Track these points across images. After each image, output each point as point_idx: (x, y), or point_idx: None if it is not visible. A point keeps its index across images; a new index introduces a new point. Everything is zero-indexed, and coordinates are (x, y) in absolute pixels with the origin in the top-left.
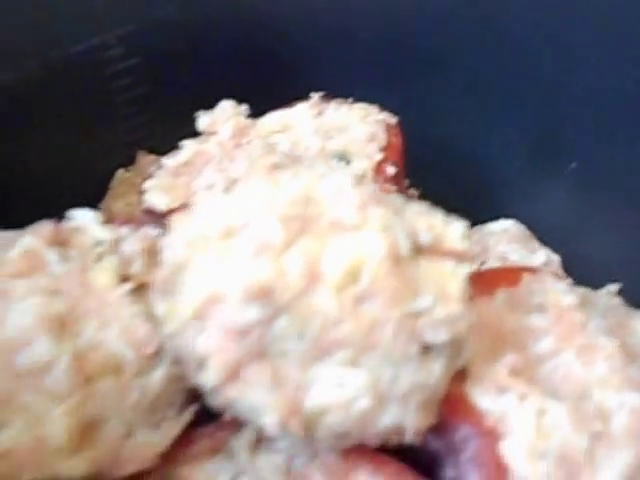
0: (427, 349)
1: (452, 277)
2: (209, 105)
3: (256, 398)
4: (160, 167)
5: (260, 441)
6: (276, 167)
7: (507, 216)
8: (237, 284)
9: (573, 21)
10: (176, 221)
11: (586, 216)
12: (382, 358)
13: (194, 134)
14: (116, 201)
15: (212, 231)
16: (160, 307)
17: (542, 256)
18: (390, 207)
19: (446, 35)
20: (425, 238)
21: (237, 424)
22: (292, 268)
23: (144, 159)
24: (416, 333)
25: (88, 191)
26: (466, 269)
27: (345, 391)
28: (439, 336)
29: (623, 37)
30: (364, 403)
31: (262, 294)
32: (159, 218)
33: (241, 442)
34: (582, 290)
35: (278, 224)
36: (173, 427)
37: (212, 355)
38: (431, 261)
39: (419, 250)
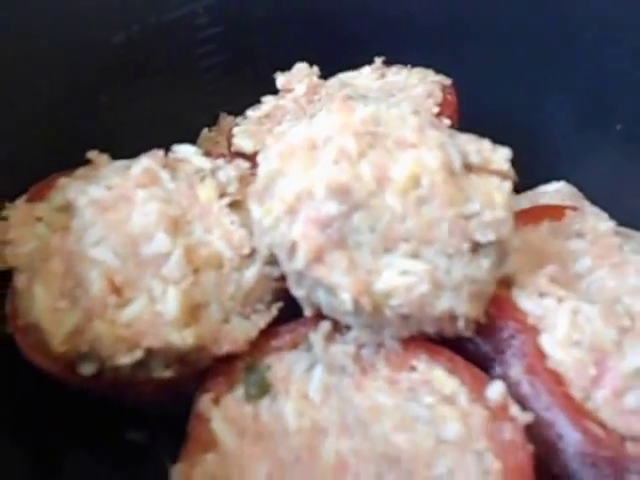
0: (476, 248)
1: (498, 190)
2: (282, 70)
3: (335, 278)
4: (245, 117)
5: (334, 334)
6: (349, 98)
7: (557, 178)
8: (321, 184)
9: None
10: (270, 139)
11: (632, 175)
12: (438, 251)
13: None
14: None
15: (300, 145)
16: (256, 212)
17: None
18: (444, 131)
19: (494, 3)
20: (474, 158)
21: (315, 321)
22: (365, 172)
23: (225, 120)
24: (467, 232)
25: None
26: (509, 184)
27: (407, 278)
28: (487, 236)
29: None
30: (423, 288)
31: (341, 192)
32: (246, 158)
33: (318, 335)
34: (623, 229)
35: (352, 138)
36: (262, 319)
37: (301, 241)
38: (480, 177)
39: (469, 168)
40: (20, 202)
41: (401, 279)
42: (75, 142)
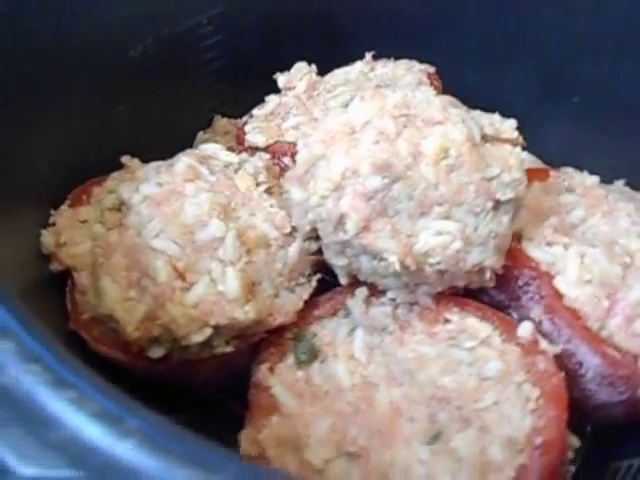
0: (497, 205)
1: (511, 155)
2: (277, 71)
3: (382, 243)
4: (251, 116)
5: (370, 298)
6: (379, 86)
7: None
8: (366, 162)
9: None
10: (308, 129)
11: (588, 144)
12: (467, 211)
13: (259, 101)
14: None
15: (340, 130)
16: (297, 194)
17: None
18: (463, 108)
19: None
20: (489, 130)
21: (351, 289)
22: (402, 149)
23: (219, 122)
24: (490, 192)
25: (180, 148)
26: (519, 150)
27: (443, 237)
28: (507, 194)
29: None
30: (457, 245)
31: (384, 167)
32: (260, 152)
33: (356, 301)
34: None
35: (390, 120)
36: (305, 291)
37: (351, 212)
38: (495, 145)
39: (485, 138)
40: (64, 208)
41: (437, 239)
42: (97, 148)
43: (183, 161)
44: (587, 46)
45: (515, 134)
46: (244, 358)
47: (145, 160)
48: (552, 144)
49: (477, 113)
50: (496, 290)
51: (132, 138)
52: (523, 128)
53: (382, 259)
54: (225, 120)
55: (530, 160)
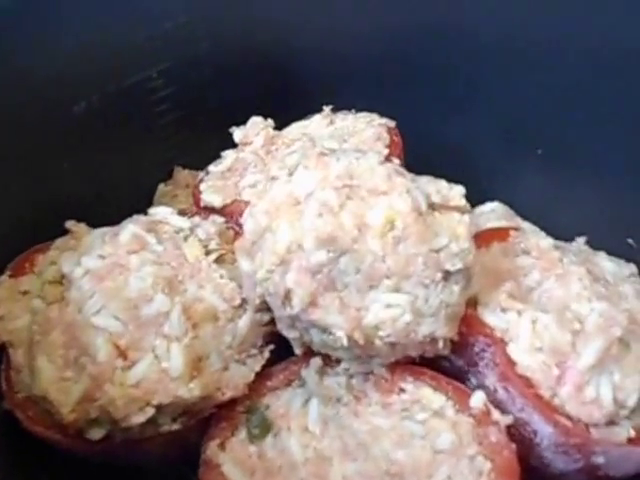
0: (447, 275)
1: (459, 224)
2: (234, 124)
3: (330, 319)
4: (207, 173)
5: (325, 368)
6: (322, 154)
7: (491, 199)
8: (310, 236)
9: (530, 28)
10: (254, 198)
11: (554, 193)
12: (416, 284)
13: (221, 150)
14: None
15: (284, 201)
16: (246, 265)
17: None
18: (408, 176)
19: (424, 48)
20: (436, 198)
21: (306, 359)
22: (347, 222)
23: (179, 173)
24: (439, 263)
25: (136, 203)
26: (467, 218)
27: (392, 310)
28: (455, 265)
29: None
30: (407, 317)
31: (328, 241)
32: (216, 214)
33: (310, 371)
34: (558, 242)
35: (332, 192)
36: (257, 363)
37: (296, 288)
38: (442, 214)
39: (432, 206)
40: (4, 278)
41: (387, 312)
42: (42, 211)
43: (129, 230)
44: (550, 98)
45: (462, 201)
46: (194, 434)
47: (100, 217)
48: (521, 194)
49: (424, 180)
50: (455, 355)
51: (83, 196)
52: (493, 177)
53: (331, 333)
54: (186, 172)
55: (502, 211)
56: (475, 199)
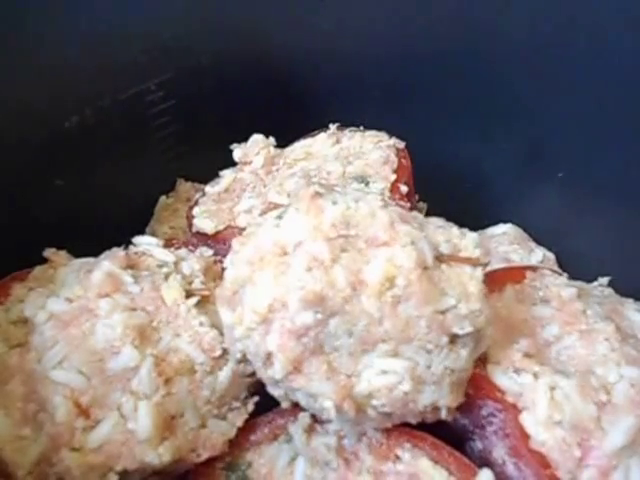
0: (454, 339)
1: (471, 279)
2: (236, 138)
3: (315, 387)
4: (203, 194)
5: (314, 425)
6: (316, 195)
7: (504, 221)
8: (295, 294)
9: (551, 51)
10: (236, 244)
11: (573, 217)
12: (418, 348)
13: (223, 162)
14: (161, 224)
15: (269, 250)
16: (226, 317)
17: (539, 254)
18: (414, 223)
19: (440, 68)
20: (445, 248)
21: (293, 412)
22: (339, 278)
23: (182, 186)
24: (445, 326)
25: (136, 216)
26: (481, 272)
27: (388, 377)
28: (464, 328)
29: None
30: (405, 386)
31: (316, 301)
32: (208, 239)
33: (297, 427)
34: (578, 283)
35: (324, 243)
36: (239, 417)
37: (278, 352)
38: (452, 267)
39: (441, 258)
40: None
41: (382, 379)
42: (32, 227)
43: (103, 268)
44: (576, 121)
45: (476, 252)
46: None
47: (96, 234)
48: (536, 217)
49: (433, 226)
50: (460, 414)
51: (76, 211)
52: (506, 199)
53: (317, 400)
54: (189, 185)
55: (515, 234)
56: (486, 220)
